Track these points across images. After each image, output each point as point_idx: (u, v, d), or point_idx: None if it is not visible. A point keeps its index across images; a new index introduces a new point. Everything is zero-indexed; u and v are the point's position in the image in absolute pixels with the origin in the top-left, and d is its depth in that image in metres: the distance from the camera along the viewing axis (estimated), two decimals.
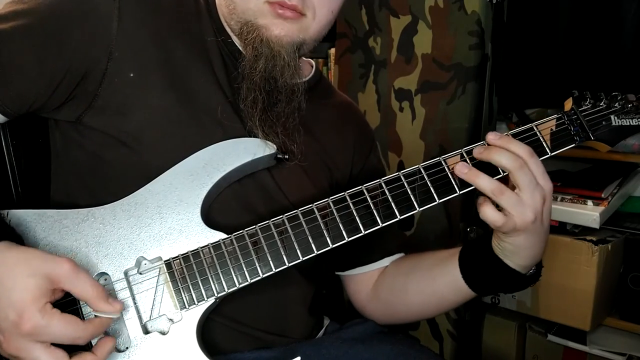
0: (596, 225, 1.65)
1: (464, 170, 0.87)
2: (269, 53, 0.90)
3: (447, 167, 0.90)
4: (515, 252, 0.90)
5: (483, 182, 0.85)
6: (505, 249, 0.91)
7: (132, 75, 0.88)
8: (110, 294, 0.78)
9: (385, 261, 1.10)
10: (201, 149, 0.89)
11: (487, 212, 0.85)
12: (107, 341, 0.77)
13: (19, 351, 0.70)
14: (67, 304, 0.77)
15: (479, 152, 0.88)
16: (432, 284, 1.02)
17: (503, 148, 0.86)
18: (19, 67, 0.84)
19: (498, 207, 0.86)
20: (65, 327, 0.71)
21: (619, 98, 0.97)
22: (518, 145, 0.87)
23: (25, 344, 0.70)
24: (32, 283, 0.70)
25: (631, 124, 0.97)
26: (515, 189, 0.86)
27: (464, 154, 0.90)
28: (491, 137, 0.88)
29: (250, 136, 0.93)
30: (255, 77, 0.91)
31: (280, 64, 0.91)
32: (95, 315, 0.75)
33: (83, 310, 0.80)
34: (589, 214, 1.66)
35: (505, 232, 0.87)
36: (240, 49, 0.96)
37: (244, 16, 0.91)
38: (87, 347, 0.77)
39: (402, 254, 1.13)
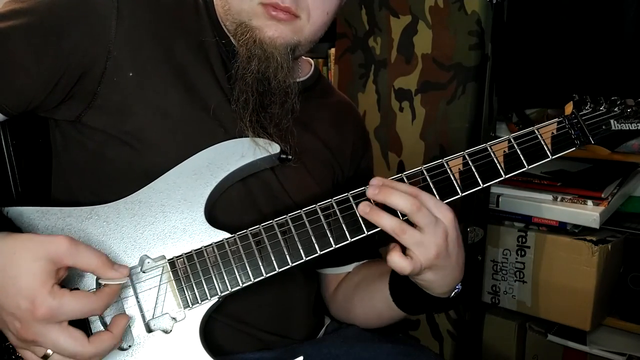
0: (596, 225, 1.65)
1: (366, 209, 0.85)
2: (262, 54, 0.90)
3: (449, 169, 0.90)
4: (428, 287, 0.90)
5: (385, 221, 0.83)
6: (418, 284, 0.90)
7: (131, 74, 0.88)
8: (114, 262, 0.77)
9: (351, 267, 1.11)
10: (202, 148, 0.89)
11: (395, 260, 0.84)
12: (121, 318, 0.78)
13: (36, 336, 0.70)
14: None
15: (373, 193, 0.85)
16: (371, 299, 1.02)
17: (393, 188, 0.85)
18: (17, 66, 0.84)
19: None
20: (78, 303, 0.71)
21: (618, 102, 0.99)
22: (405, 185, 0.86)
23: (42, 328, 0.70)
24: (36, 267, 0.70)
25: (630, 128, 0.99)
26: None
27: (466, 155, 0.91)
28: (376, 181, 0.86)
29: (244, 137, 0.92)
30: (248, 78, 0.91)
31: (273, 66, 0.90)
32: (101, 285, 0.75)
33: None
34: (589, 214, 1.66)
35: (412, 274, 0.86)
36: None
37: (239, 17, 0.91)
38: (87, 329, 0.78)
39: (366, 260, 1.12)
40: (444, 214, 0.84)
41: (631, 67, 1.70)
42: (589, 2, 1.77)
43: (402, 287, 0.95)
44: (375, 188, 0.85)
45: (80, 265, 0.74)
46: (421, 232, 0.83)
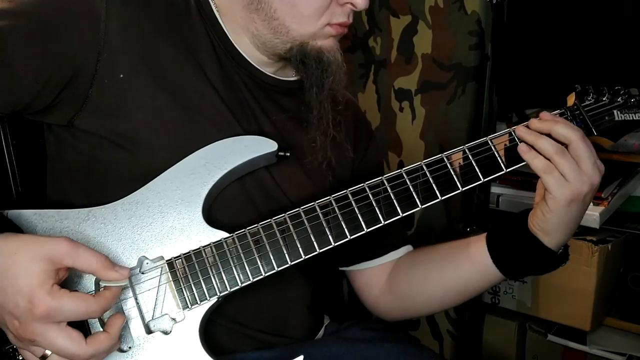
0: (596, 225, 1.64)
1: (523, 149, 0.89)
2: (326, 66, 0.94)
3: (449, 163, 0.90)
4: (557, 228, 0.90)
5: (544, 143, 0.87)
6: (548, 224, 0.90)
7: (122, 75, 0.87)
8: (114, 263, 0.77)
9: (392, 255, 1.10)
10: (196, 148, 0.89)
11: (533, 161, 0.88)
12: (117, 318, 0.78)
13: (34, 335, 0.71)
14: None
15: (533, 127, 0.90)
16: (454, 271, 1.02)
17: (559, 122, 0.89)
18: (2, 66, 0.82)
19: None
20: (76, 304, 0.72)
21: (621, 92, 0.97)
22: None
23: (40, 327, 0.70)
24: (35, 268, 0.70)
25: (634, 118, 0.97)
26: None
27: (466, 150, 0.91)
28: (544, 114, 0.91)
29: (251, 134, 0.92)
30: (322, 93, 0.96)
31: (337, 76, 0.96)
32: (101, 287, 0.76)
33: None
34: (589, 214, 1.65)
35: (558, 200, 0.87)
36: (237, 47, 0.95)
37: (300, 38, 0.92)
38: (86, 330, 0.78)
39: (409, 247, 1.12)
40: (598, 168, 0.88)
41: (632, 61, 1.69)
42: (589, 2, 1.77)
43: (507, 249, 0.96)
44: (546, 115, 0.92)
45: (80, 266, 0.74)
46: (580, 163, 0.86)
